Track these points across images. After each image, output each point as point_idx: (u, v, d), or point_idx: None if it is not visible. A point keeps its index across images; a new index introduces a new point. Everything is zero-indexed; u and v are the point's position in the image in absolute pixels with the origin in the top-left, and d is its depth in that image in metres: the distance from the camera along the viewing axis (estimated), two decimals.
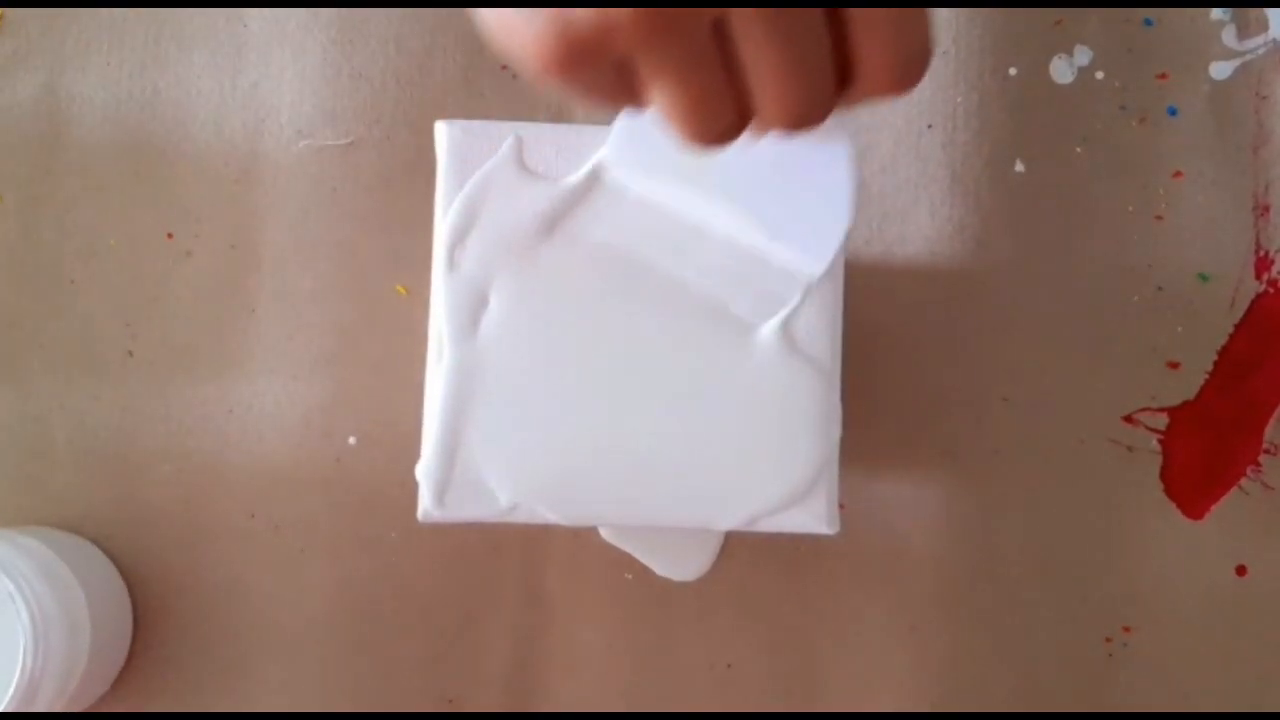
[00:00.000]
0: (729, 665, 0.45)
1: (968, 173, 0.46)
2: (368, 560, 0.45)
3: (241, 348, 0.46)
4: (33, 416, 0.46)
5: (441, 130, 0.37)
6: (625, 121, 0.35)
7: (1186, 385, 0.46)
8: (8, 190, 0.46)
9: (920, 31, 0.27)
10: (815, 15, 0.26)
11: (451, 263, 0.37)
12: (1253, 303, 0.46)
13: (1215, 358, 0.46)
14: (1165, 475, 0.46)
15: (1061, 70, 0.47)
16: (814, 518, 0.37)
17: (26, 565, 0.40)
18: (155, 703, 0.45)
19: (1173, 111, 0.47)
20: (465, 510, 0.37)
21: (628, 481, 0.36)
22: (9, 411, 0.46)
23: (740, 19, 0.26)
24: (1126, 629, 0.46)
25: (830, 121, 0.29)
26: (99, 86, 0.46)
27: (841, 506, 0.38)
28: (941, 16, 0.46)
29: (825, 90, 0.27)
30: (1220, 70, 0.47)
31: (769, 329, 0.37)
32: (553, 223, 0.37)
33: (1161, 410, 0.46)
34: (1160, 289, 0.46)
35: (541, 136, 0.37)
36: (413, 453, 0.37)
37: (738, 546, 0.46)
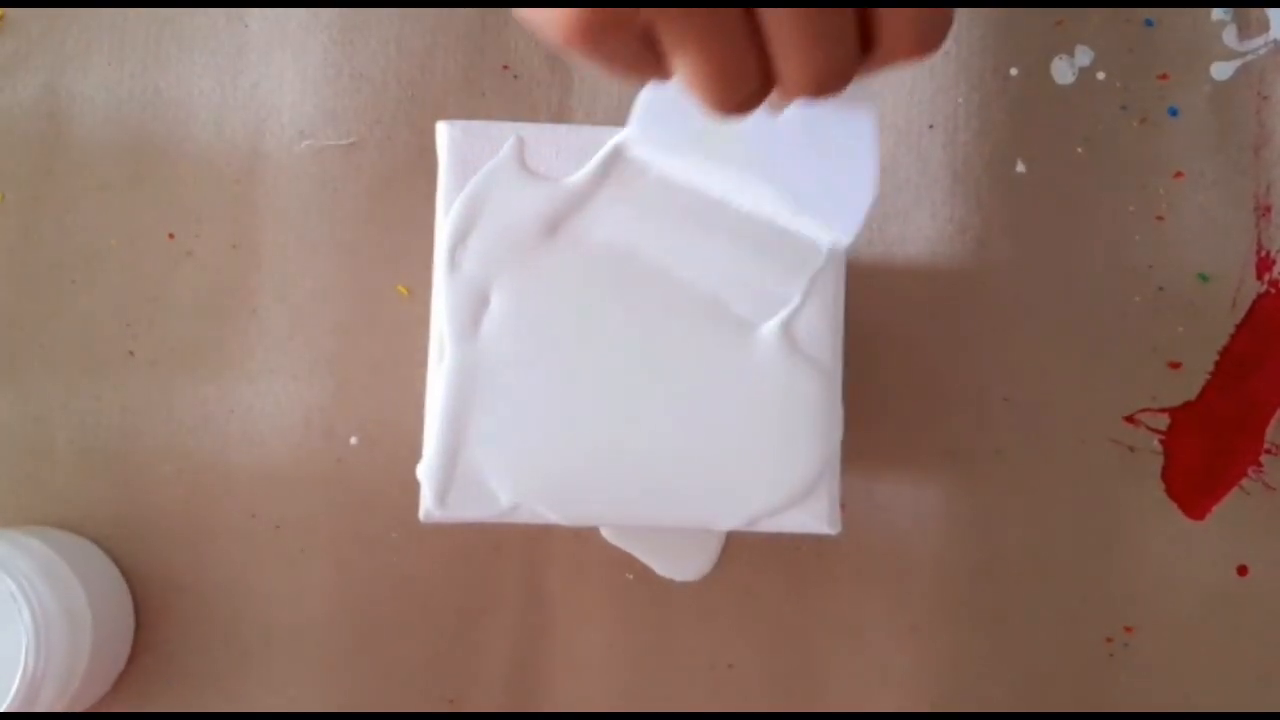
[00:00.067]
0: (730, 665, 0.45)
1: (969, 173, 0.46)
2: (369, 560, 0.45)
3: (243, 348, 0.46)
4: (34, 416, 0.46)
5: (443, 130, 0.37)
6: (647, 99, 0.35)
7: (1188, 385, 0.46)
8: (9, 190, 0.46)
9: None
10: None
11: (453, 263, 0.37)
12: (1254, 303, 0.46)
13: (1216, 358, 0.46)
14: (1166, 475, 0.46)
15: (1063, 71, 0.47)
16: (815, 518, 0.37)
17: (28, 565, 0.40)
18: (156, 702, 0.45)
19: (1174, 112, 0.47)
20: (466, 510, 0.37)
21: (629, 482, 0.36)
22: (10, 411, 0.46)
23: None
24: (1127, 629, 0.46)
25: (854, 90, 0.29)
26: (100, 86, 0.46)
27: (842, 507, 0.38)
28: None
29: (848, 55, 0.27)
30: (1221, 71, 0.47)
31: (770, 329, 0.37)
32: (554, 223, 0.37)
33: (1163, 410, 0.46)
34: (1161, 289, 0.46)
35: (542, 137, 0.37)
36: (414, 453, 0.37)
37: (739, 547, 0.46)
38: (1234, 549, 0.46)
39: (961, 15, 0.46)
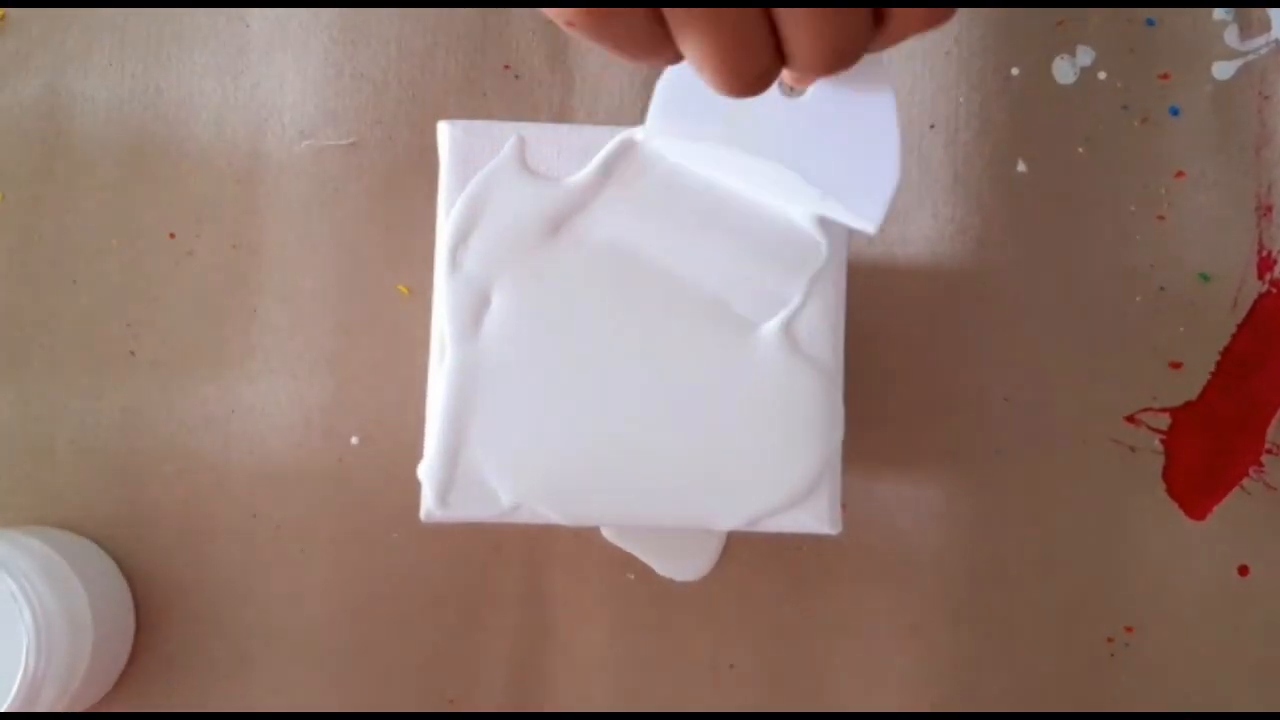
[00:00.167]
0: (731, 665, 0.45)
1: (970, 173, 0.46)
2: (369, 560, 0.45)
3: (243, 347, 0.46)
4: (35, 416, 0.46)
5: (444, 130, 0.37)
6: (665, 90, 0.35)
7: (1189, 385, 0.46)
8: (9, 189, 0.46)
9: None
10: None
11: (454, 263, 0.37)
12: (1255, 303, 0.46)
13: (1217, 358, 0.46)
14: (1167, 475, 0.46)
15: (1064, 70, 0.47)
16: (816, 518, 0.37)
17: (29, 565, 0.40)
18: (157, 702, 0.45)
19: (1175, 112, 0.47)
20: (467, 510, 0.37)
21: (630, 482, 0.36)
22: (11, 411, 0.46)
23: None
24: (1128, 629, 0.46)
25: (872, 71, 0.28)
26: (101, 86, 0.46)
27: (843, 507, 0.38)
28: None
29: (858, 26, 0.27)
30: (1223, 70, 0.47)
31: (771, 329, 0.37)
32: (555, 223, 0.37)
33: (1164, 410, 0.46)
34: (1162, 289, 0.46)
35: (544, 136, 0.37)
36: (415, 453, 0.37)
37: (740, 547, 0.46)
38: (1235, 549, 0.46)
39: (962, 15, 0.46)
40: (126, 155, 0.46)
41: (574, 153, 0.37)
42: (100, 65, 0.47)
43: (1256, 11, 0.47)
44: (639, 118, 0.40)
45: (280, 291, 0.46)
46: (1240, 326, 0.46)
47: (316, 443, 0.46)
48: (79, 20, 0.47)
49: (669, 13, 0.26)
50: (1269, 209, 0.46)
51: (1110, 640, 0.45)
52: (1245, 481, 0.46)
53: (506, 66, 0.47)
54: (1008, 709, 0.45)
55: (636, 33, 0.27)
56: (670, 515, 0.37)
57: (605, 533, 0.45)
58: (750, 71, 0.27)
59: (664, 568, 0.45)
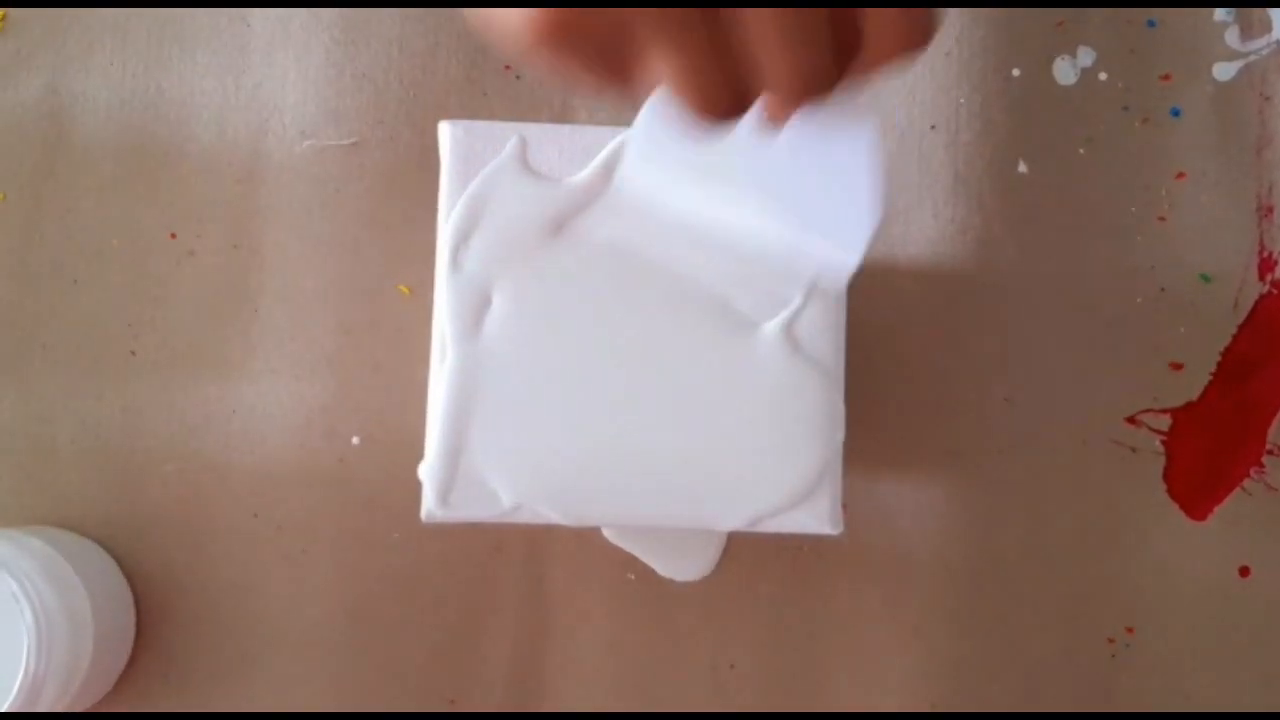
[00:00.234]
0: (732, 665, 0.45)
1: (971, 174, 0.46)
2: (370, 560, 0.45)
3: (244, 348, 0.46)
4: (36, 416, 0.46)
5: (445, 130, 0.37)
6: (641, 131, 0.34)
7: (1189, 386, 0.46)
8: (10, 190, 0.46)
9: None
10: None
11: (455, 263, 0.37)
12: (1256, 304, 0.46)
13: (1218, 359, 0.46)
14: (1168, 476, 0.46)
15: (1065, 71, 0.47)
16: (817, 518, 0.37)
17: (30, 565, 0.40)
18: (158, 702, 0.45)
19: (1176, 113, 0.47)
20: (468, 510, 0.37)
21: (631, 482, 0.37)
22: (12, 411, 0.46)
23: None
24: (1129, 629, 0.46)
25: (851, 104, 0.28)
26: (102, 86, 0.46)
27: (844, 507, 0.38)
28: (945, 17, 0.46)
29: (825, 53, 0.26)
30: (1223, 71, 0.47)
31: (772, 330, 0.37)
32: (556, 223, 0.37)
33: (1164, 411, 0.46)
34: (1163, 290, 0.46)
35: (545, 137, 0.37)
36: (416, 453, 0.37)
37: (740, 547, 0.46)
38: (1236, 550, 0.46)
39: (963, 16, 0.46)
40: (128, 155, 0.46)
41: (575, 153, 0.37)
42: (101, 65, 0.47)
43: (1257, 12, 0.47)
44: None
45: (281, 291, 0.46)
46: (1241, 327, 0.46)
47: (317, 443, 0.46)
48: (80, 20, 0.47)
49: (636, 34, 0.26)
50: (1270, 210, 0.46)
51: (1111, 640, 0.45)
52: (1246, 482, 0.46)
53: (508, 67, 0.47)
54: (1008, 709, 0.45)
55: (601, 56, 0.26)
56: (671, 515, 0.37)
57: (606, 533, 0.45)
58: (720, 97, 0.27)
59: (664, 568, 0.45)
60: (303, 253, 0.46)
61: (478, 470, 0.36)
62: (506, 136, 0.37)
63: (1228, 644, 0.45)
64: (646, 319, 0.37)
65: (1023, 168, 0.46)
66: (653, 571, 0.46)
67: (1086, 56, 0.47)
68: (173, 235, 0.46)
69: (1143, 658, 0.45)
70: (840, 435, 0.37)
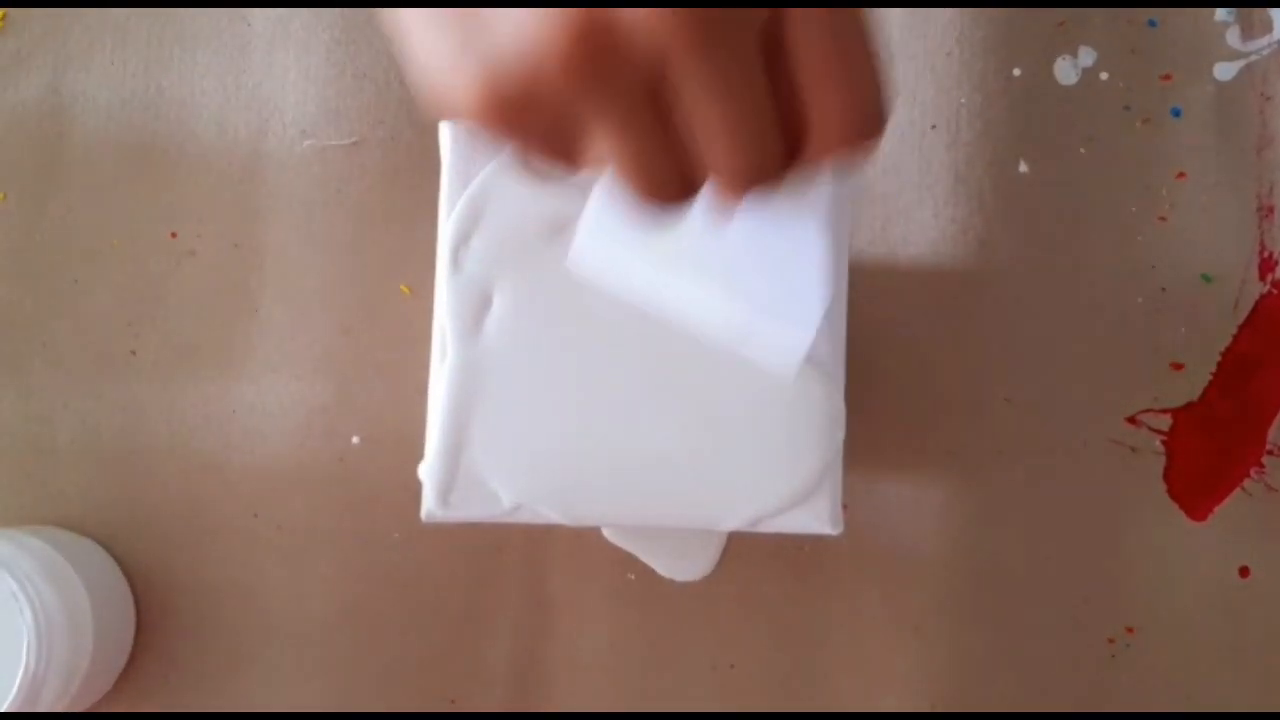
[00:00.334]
0: (732, 665, 0.45)
1: (971, 173, 0.46)
2: (370, 560, 0.45)
3: (245, 347, 0.46)
4: (36, 416, 0.46)
5: (446, 130, 0.37)
6: (591, 216, 0.34)
7: (1190, 386, 0.46)
8: (11, 189, 0.46)
9: (872, 84, 0.26)
10: (761, 68, 0.25)
11: (455, 263, 0.37)
12: (1256, 304, 0.46)
13: (1218, 359, 0.46)
14: (1168, 476, 0.46)
15: (1065, 71, 0.47)
16: (817, 518, 0.37)
17: (30, 564, 0.40)
18: (157, 701, 0.45)
19: (1176, 112, 0.47)
20: (468, 510, 0.37)
21: (631, 482, 0.36)
22: (12, 411, 0.46)
23: (677, 69, 0.24)
24: (1129, 630, 0.46)
25: (803, 188, 0.27)
26: (102, 86, 0.46)
27: (844, 507, 0.38)
28: (945, 17, 0.46)
29: (775, 149, 0.26)
30: (1224, 71, 0.47)
31: None
32: (557, 224, 0.37)
33: (1165, 411, 0.46)
34: (1164, 290, 0.46)
35: None
36: (416, 453, 0.37)
37: (741, 547, 0.46)
38: (1236, 550, 0.46)
39: (964, 16, 0.47)
40: (128, 155, 0.46)
41: None
42: (102, 65, 0.47)
43: (1258, 12, 0.47)
44: None
45: (282, 291, 0.46)
46: (1241, 327, 0.46)
47: (318, 442, 0.46)
48: (80, 20, 0.47)
49: (584, 114, 0.25)
50: (1270, 210, 0.46)
51: (1111, 641, 0.45)
52: (1246, 483, 0.46)
53: None
54: (1008, 709, 0.45)
55: (546, 135, 0.26)
56: (671, 515, 0.37)
57: (606, 533, 0.45)
58: (664, 182, 0.26)
59: (665, 568, 0.45)
60: (303, 252, 0.46)
61: (478, 470, 0.36)
62: None
63: (1228, 644, 0.45)
64: (646, 318, 0.37)
65: (1023, 167, 0.46)
66: (653, 571, 0.46)
67: (1087, 56, 0.47)
68: (173, 235, 0.46)
69: (1143, 658, 0.45)
70: (840, 435, 0.37)
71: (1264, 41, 0.47)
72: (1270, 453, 0.46)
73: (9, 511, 0.45)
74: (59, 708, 0.41)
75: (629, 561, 0.45)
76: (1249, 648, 0.45)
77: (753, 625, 0.45)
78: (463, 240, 0.37)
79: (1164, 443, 0.46)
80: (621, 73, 0.24)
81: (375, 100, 0.46)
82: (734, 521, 0.37)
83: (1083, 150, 0.46)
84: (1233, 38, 0.47)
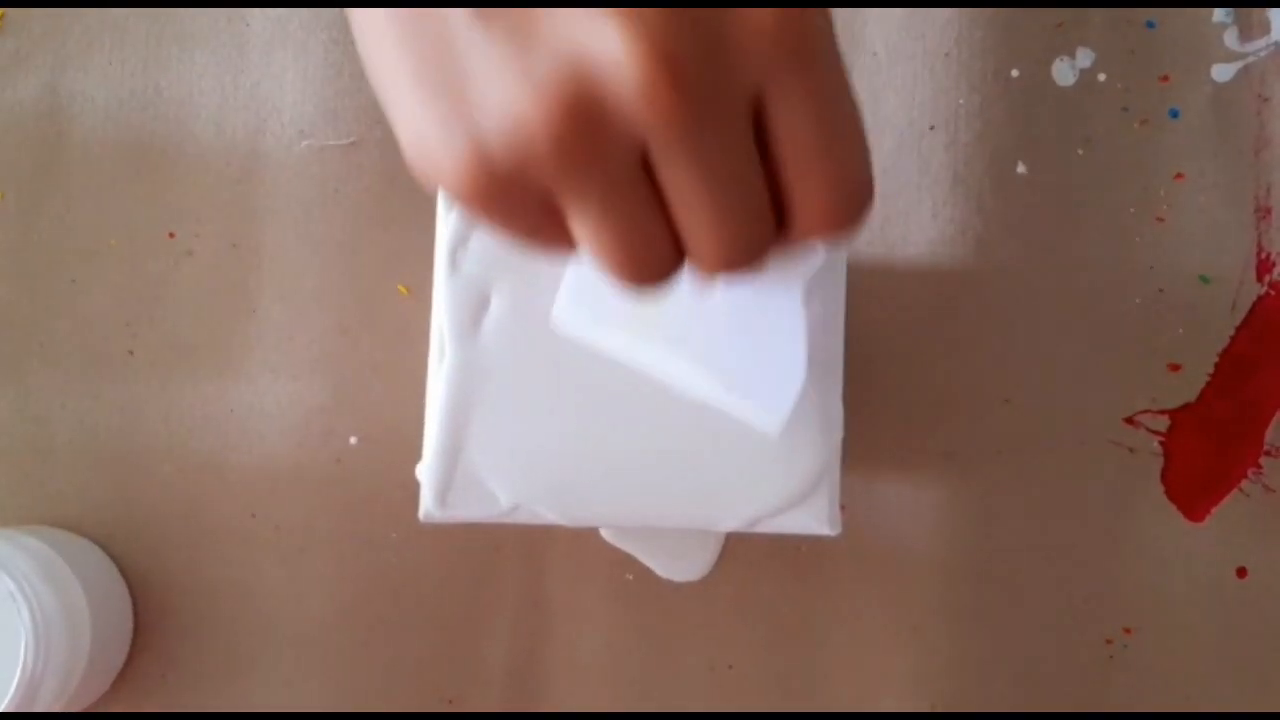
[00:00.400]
0: (730, 666, 0.45)
1: (970, 174, 0.46)
2: (368, 560, 0.45)
3: (242, 347, 0.46)
4: (33, 416, 0.46)
5: None
6: (573, 280, 0.34)
7: (1188, 387, 0.46)
8: (9, 189, 0.46)
9: (857, 167, 0.26)
10: (745, 151, 0.25)
11: (453, 263, 0.37)
12: (1254, 305, 0.46)
13: (1216, 360, 0.46)
14: (1166, 477, 0.46)
15: (1063, 72, 0.47)
16: (815, 519, 0.37)
17: (27, 565, 0.40)
18: (155, 702, 0.45)
19: (1174, 114, 0.47)
20: (466, 511, 0.37)
21: (629, 482, 0.36)
22: (10, 411, 0.46)
23: (663, 151, 0.24)
24: (1127, 630, 0.46)
25: (781, 266, 0.27)
26: (100, 86, 0.46)
27: (843, 508, 0.38)
28: (944, 18, 0.46)
29: (759, 229, 0.26)
30: (1222, 73, 0.47)
31: None
32: None
33: (1162, 412, 0.46)
34: (1161, 291, 0.46)
35: None
36: (414, 453, 0.37)
37: (739, 547, 0.46)
38: (1233, 551, 0.46)
39: (963, 17, 0.47)
40: (126, 154, 0.46)
41: None
42: (100, 65, 0.47)
43: (1256, 13, 0.47)
44: None
45: (279, 291, 0.46)
46: (1239, 329, 0.46)
47: (315, 442, 0.46)
48: (79, 20, 0.47)
49: (561, 200, 0.25)
50: (1268, 211, 0.46)
51: (1109, 641, 0.46)
52: (1244, 483, 0.46)
53: None
54: (1007, 709, 0.45)
55: (529, 218, 0.26)
56: (670, 516, 0.37)
57: (604, 533, 0.45)
58: (645, 266, 0.26)
59: (663, 568, 0.45)
60: (301, 252, 0.46)
61: (476, 470, 0.36)
62: None
63: (1225, 644, 0.45)
64: None
65: (1022, 168, 0.46)
66: (651, 572, 0.46)
67: (1085, 58, 0.47)
68: (171, 235, 0.46)
69: (1141, 658, 0.45)
70: (839, 435, 0.37)
71: (1262, 43, 0.47)
72: (1268, 453, 0.46)
73: (6, 511, 0.45)
74: (56, 708, 0.41)
75: (627, 562, 0.45)
76: (1247, 648, 0.45)
77: (751, 625, 0.45)
78: (461, 241, 0.37)
79: (1162, 443, 0.46)
80: (607, 153, 0.24)
81: (373, 101, 0.46)
82: (732, 522, 0.37)
83: (1081, 151, 0.46)
84: (1231, 39, 0.47)
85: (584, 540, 0.45)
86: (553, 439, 0.36)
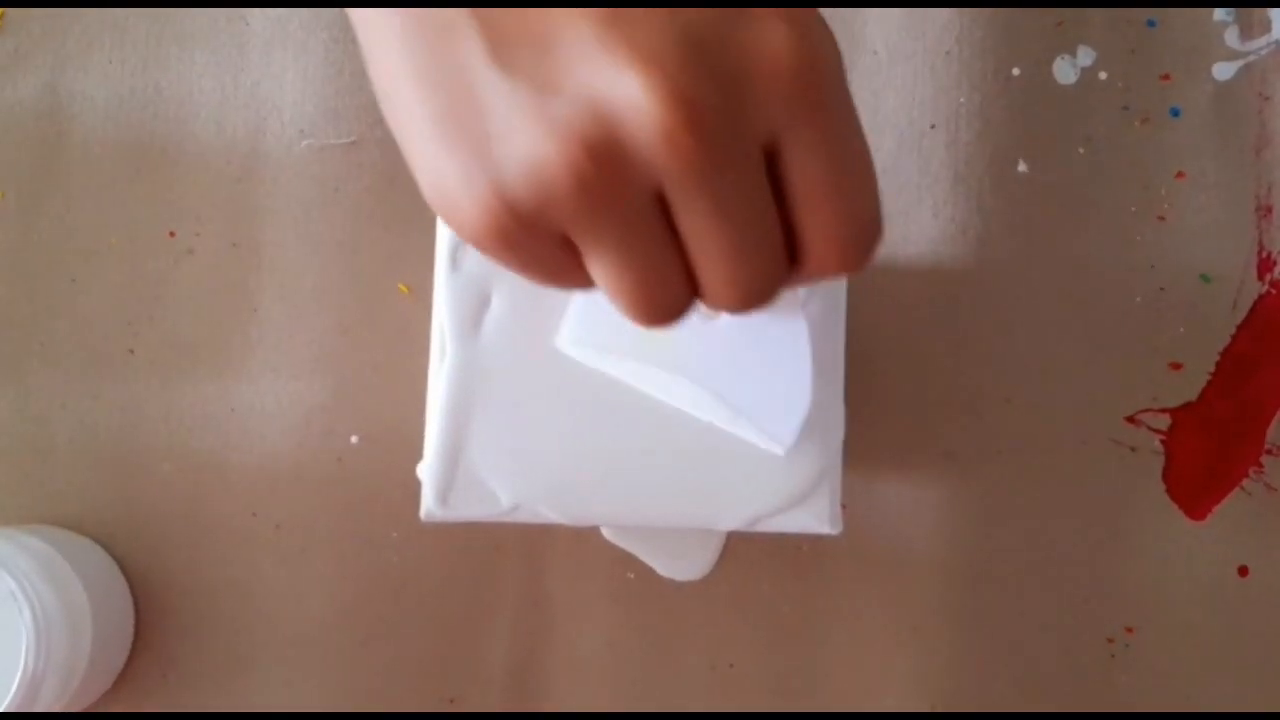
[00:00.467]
0: (731, 665, 0.45)
1: (971, 173, 0.46)
2: (369, 559, 0.45)
3: (243, 346, 0.46)
4: (34, 415, 0.46)
5: None
6: (581, 302, 0.35)
7: (1189, 386, 0.46)
8: (9, 188, 0.46)
9: (868, 208, 0.27)
10: (760, 191, 0.25)
11: (454, 262, 0.37)
12: (1255, 304, 0.46)
13: (1217, 359, 0.46)
14: (1167, 476, 0.46)
15: (1064, 71, 0.47)
16: (816, 518, 0.37)
17: (28, 564, 0.40)
18: (156, 701, 0.45)
19: (1175, 112, 0.47)
20: (467, 510, 0.37)
21: (630, 481, 0.36)
22: (10, 410, 0.46)
23: (680, 194, 0.25)
24: (1128, 629, 0.46)
25: (786, 297, 0.28)
26: (101, 85, 0.46)
27: (843, 507, 0.38)
28: (945, 17, 0.46)
29: (773, 270, 0.26)
30: (1223, 71, 0.47)
31: None
32: None
33: (1164, 411, 0.46)
34: (1162, 290, 0.46)
35: None
36: (415, 452, 0.37)
37: (740, 546, 0.46)
38: (1235, 550, 0.46)
39: (964, 15, 0.46)
40: (126, 154, 0.46)
41: None
42: (100, 64, 0.46)
43: (1257, 12, 0.47)
44: None
45: (280, 290, 0.46)
46: (1240, 327, 0.46)
47: (316, 442, 0.46)
48: (79, 19, 0.47)
49: (578, 242, 0.26)
50: (1269, 210, 0.46)
51: (1110, 641, 0.45)
52: (1245, 482, 0.46)
53: None
54: (1007, 709, 0.45)
55: (545, 259, 0.26)
56: (671, 515, 0.37)
57: (605, 532, 0.45)
58: (660, 305, 0.27)
59: (664, 567, 0.45)
60: (301, 252, 0.46)
61: (477, 470, 0.36)
62: None
63: (1227, 644, 0.45)
64: None
65: (1022, 167, 0.46)
66: (652, 571, 0.45)
67: (1086, 56, 0.47)
68: (171, 234, 0.46)
69: (1142, 658, 0.45)
70: (840, 435, 0.37)
71: (1263, 41, 0.47)
72: (1269, 452, 0.46)
73: (7, 511, 0.45)
74: (58, 707, 0.41)
75: (628, 561, 0.45)
76: (1248, 647, 0.45)
77: (752, 625, 0.45)
78: (461, 240, 0.36)
79: (1163, 442, 0.46)
80: (626, 196, 0.24)
81: (373, 100, 0.46)
82: (733, 521, 0.37)
83: (1081, 150, 0.46)
84: (1231, 38, 0.47)
85: (585, 539, 0.45)
86: (553, 438, 0.36)
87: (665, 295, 0.27)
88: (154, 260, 0.46)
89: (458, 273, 0.36)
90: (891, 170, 0.46)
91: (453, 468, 0.36)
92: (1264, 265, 0.46)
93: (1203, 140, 0.46)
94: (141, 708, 0.45)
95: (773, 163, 0.26)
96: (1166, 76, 0.47)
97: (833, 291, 0.37)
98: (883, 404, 0.46)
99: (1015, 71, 0.47)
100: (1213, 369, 0.46)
